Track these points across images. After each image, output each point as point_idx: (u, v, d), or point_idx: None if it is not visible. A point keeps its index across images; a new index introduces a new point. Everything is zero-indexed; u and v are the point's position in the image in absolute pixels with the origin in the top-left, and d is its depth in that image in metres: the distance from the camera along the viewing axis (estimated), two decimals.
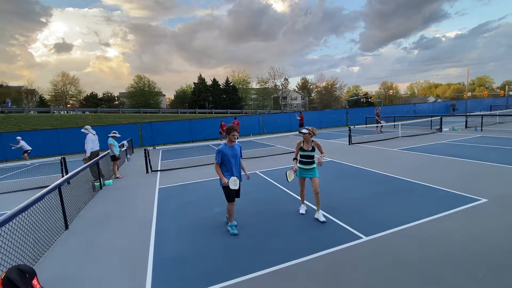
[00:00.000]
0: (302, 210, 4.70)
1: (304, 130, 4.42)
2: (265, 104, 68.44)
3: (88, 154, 8.20)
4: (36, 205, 3.91)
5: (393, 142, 12.15)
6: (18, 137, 14.17)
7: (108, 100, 56.89)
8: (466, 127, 15.48)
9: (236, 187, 3.83)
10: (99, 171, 7.68)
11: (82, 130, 8.63)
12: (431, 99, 72.87)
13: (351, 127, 13.56)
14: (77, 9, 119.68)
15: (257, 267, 3.16)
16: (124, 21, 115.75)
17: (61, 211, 4.75)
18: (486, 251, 3.15)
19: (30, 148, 14.18)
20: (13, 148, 14.25)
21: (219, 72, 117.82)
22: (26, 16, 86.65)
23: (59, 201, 4.73)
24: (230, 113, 48.92)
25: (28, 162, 12.81)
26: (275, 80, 69.66)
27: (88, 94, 55.75)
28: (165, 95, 71.78)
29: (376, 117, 17.30)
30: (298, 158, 4.58)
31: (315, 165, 4.49)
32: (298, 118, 18.96)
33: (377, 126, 16.84)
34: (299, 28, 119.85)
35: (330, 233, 3.88)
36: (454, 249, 3.24)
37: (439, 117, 15.51)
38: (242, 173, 4.32)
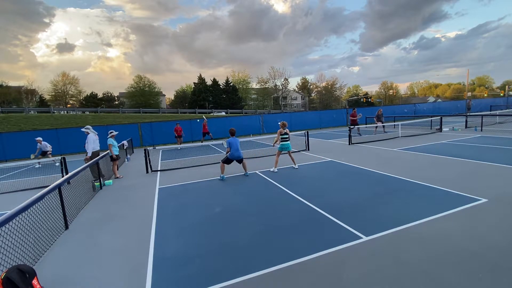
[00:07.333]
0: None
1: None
2: (265, 104, 68.50)
3: (89, 154, 8.18)
4: (36, 205, 3.90)
5: (393, 142, 12.15)
6: (39, 138, 12.78)
7: (108, 100, 56.96)
8: (466, 127, 15.48)
9: None
10: (99, 171, 7.67)
11: (83, 129, 8.57)
12: (431, 99, 72.90)
13: (351, 127, 13.55)
14: (79, 9, 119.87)
15: (257, 267, 3.16)
16: (126, 21, 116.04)
17: (61, 211, 4.75)
18: (486, 251, 3.14)
19: (49, 149, 12.99)
20: (34, 157, 12.67)
21: (219, 72, 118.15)
22: (29, 17, 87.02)
23: (59, 201, 4.73)
24: (230, 113, 48.95)
25: (57, 162, 11.81)
26: (275, 80, 69.76)
27: (88, 94, 55.78)
28: (165, 95, 71.86)
29: (375, 118, 17.24)
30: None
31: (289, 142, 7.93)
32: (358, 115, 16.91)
33: (376, 127, 16.79)
34: (299, 29, 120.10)
35: (330, 233, 3.89)
36: (454, 249, 3.24)
37: (439, 117, 15.49)
38: None
